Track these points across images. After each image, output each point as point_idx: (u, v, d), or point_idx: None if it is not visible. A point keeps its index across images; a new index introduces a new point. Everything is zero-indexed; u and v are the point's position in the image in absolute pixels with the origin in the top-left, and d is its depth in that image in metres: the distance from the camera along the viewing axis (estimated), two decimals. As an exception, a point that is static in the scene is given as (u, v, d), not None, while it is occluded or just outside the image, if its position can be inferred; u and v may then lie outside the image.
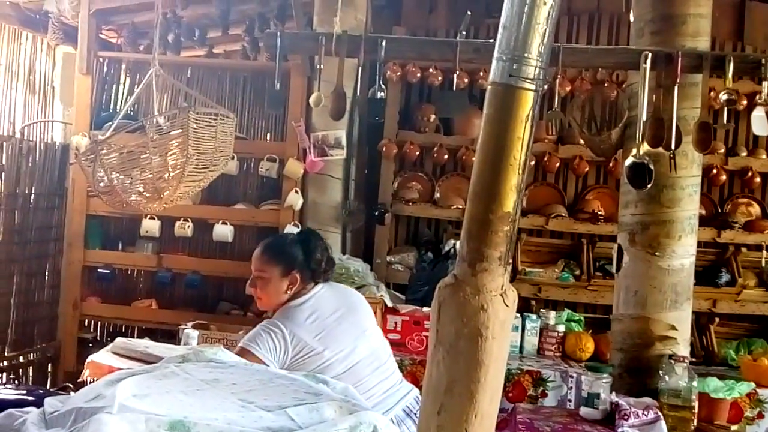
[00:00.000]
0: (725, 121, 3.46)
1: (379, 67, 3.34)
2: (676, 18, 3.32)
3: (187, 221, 4.77)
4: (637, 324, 3.43)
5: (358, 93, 3.50)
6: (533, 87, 1.61)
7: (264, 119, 5.09)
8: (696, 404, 3.12)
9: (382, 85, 3.38)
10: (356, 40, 3.35)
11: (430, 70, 4.48)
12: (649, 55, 3.19)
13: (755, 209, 4.84)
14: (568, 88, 4.58)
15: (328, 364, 2.61)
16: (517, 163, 1.64)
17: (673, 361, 3.23)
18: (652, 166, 3.23)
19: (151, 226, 4.78)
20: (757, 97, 3.28)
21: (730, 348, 4.56)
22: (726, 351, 4.57)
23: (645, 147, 3.24)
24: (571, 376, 4.02)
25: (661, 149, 3.23)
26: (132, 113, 4.54)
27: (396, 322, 4.23)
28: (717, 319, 4.65)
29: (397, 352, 4.12)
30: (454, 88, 3.38)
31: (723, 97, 3.24)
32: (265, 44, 3.42)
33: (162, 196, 3.12)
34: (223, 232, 4.76)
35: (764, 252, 4.63)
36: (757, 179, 4.68)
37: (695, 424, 3.10)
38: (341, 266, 4.28)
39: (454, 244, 4.55)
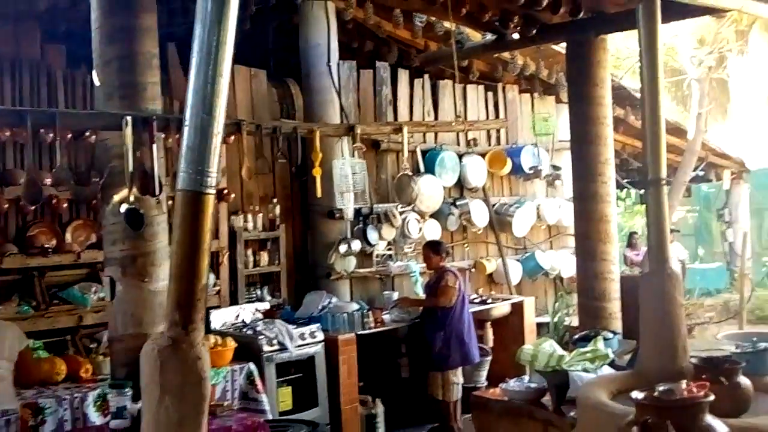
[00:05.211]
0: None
1: None
2: (139, 85, 4.01)
3: None
4: (137, 340, 4.05)
5: None
6: (214, 192, 2.26)
7: None
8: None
9: None
10: None
11: None
12: (130, 119, 3.83)
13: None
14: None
15: None
16: (206, 247, 2.27)
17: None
18: (143, 211, 3.91)
19: None
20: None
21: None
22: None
23: (135, 193, 3.89)
24: (65, 399, 4.40)
25: (148, 195, 3.93)
26: None
27: None
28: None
29: None
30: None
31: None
32: None
33: None
34: None
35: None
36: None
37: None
38: None
39: None
